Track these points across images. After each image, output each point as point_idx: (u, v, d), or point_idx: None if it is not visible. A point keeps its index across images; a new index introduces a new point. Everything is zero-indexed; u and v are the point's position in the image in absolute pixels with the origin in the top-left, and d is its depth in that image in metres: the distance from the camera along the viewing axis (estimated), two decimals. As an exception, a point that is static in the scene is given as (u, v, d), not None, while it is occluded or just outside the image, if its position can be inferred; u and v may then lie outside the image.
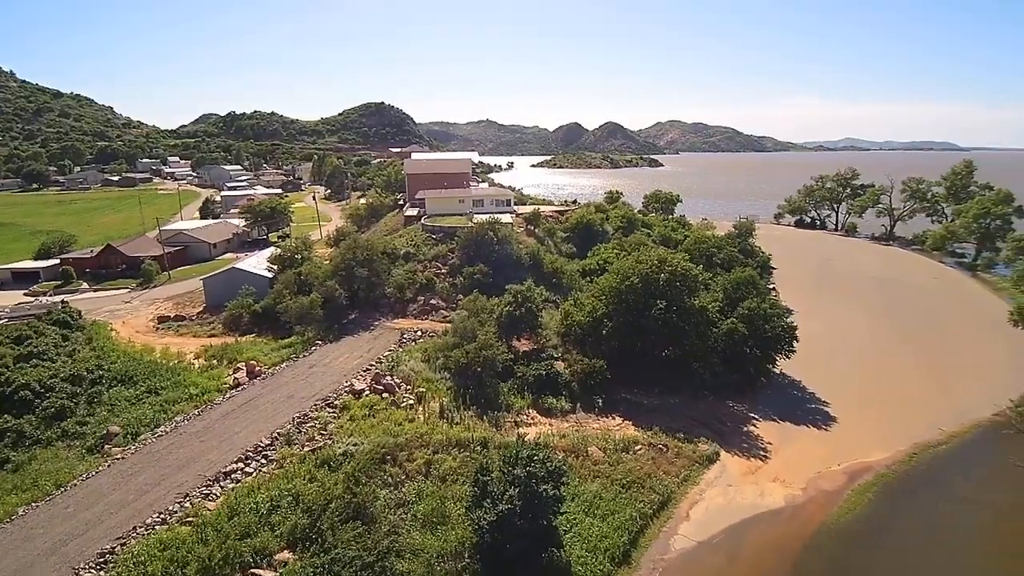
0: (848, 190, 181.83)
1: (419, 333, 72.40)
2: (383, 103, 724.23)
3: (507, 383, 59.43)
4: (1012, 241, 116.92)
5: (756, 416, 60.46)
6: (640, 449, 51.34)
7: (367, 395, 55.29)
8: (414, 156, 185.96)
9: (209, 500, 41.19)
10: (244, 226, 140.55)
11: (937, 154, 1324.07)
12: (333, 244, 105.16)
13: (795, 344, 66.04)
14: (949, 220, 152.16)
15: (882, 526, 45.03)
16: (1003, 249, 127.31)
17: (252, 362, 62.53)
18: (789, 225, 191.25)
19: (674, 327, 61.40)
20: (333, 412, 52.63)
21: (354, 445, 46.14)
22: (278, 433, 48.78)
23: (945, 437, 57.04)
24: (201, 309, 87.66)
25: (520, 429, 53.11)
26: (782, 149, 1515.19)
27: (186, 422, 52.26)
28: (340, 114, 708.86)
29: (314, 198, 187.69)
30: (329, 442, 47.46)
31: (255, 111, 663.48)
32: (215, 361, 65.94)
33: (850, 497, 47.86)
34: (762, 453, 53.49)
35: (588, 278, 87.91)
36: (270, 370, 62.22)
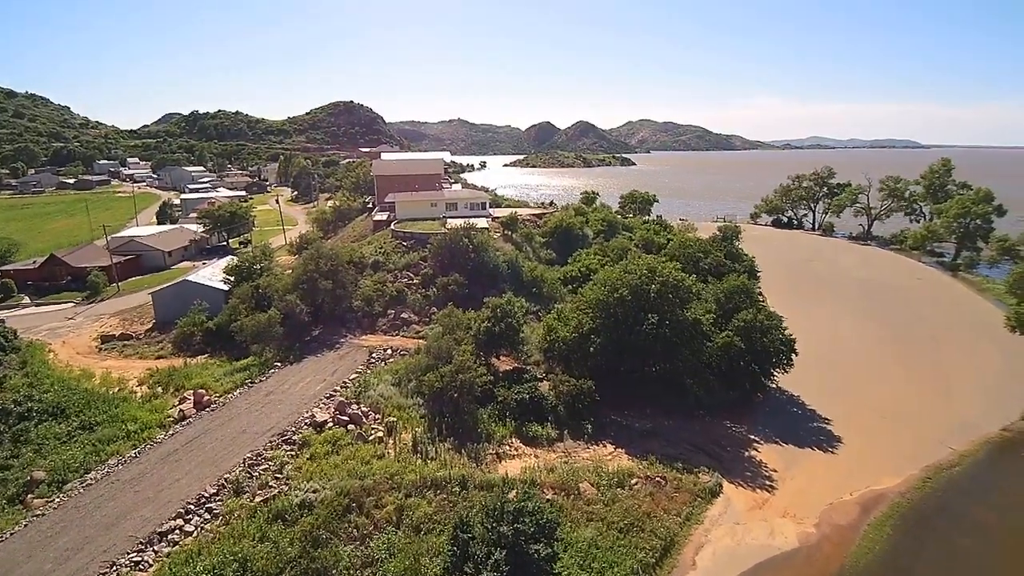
0: (825, 189, 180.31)
1: (389, 351, 66.43)
2: (352, 102, 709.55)
3: (487, 408, 53.88)
4: (996, 241, 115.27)
5: (756, 438, 55.95)
6: (636, 483, 46.29)
7: (330, 428, 49.25)
8: (384, 156, 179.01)
9: (140, 569, 34.83)
10: (202, 232, 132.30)
11: (900, 151, 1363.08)
12: (296, 252, 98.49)
13: (793, 357, 61.88)
14: (928, 219, 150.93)
15: (904, 567, 40.75)
16: (984, 249, 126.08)
17: (201, 390, 55.85)
18: (767, 225, 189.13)
19: (667, 342, 56.57)
20: (291, 450, 46.41)
21: (314, 492, 40.24)
22: (225, 479, 42.43)
23: (956, 457, 53.17)
24: (150, 326, 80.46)
25: (502, 463, 47.80)
26: (751, 147, 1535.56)
27: (120, 466, 45.53)
28: (308, 113, 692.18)
29: (277, 201, 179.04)
30: (285, 488, 41.39)
31: (219, 110, 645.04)
32: (160, 388, 59.31)
33: (867, 533, 43.47)
34: (767, 483, 48.89)
35: (570, 286, 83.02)
36: (221, 399, 55.56)
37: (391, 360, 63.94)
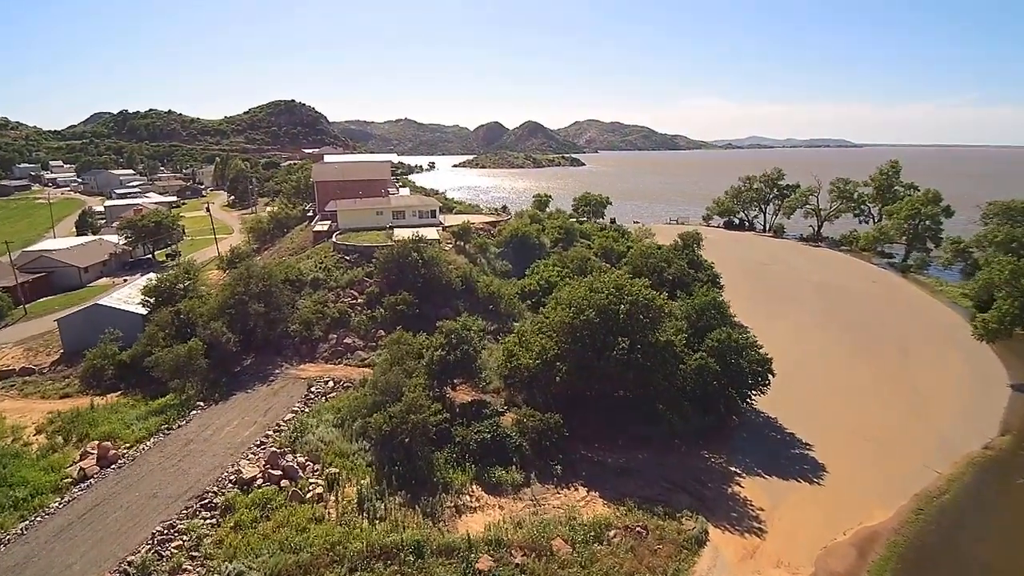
0: (775, 191, 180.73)
1: (331, 383, 59.45)
2: (293, 101, 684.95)
3: (443, 451, 47.74)
4: (951, 243, 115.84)
5: (737, 470, 51.63)
6: (615, 535, 41.09)
7: (260, 485, 42.25)
8: (326, 159, 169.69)
9: None
10: (124, 244, 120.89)
11: (834, 150, 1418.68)
12: (227, 267, 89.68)
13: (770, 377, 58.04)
14: (877, 220, 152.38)
15: (912, 621, 36.89)
16: (933, 249, 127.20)
17: (106, 443, 47.60)
18: (718, 227, 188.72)
19: (639, 368, 51.71)
20: (211, 517, 39.15)
21: (237, 575, 33.43)
22: (129, 563, 34.88)
23: (944, 483, 50.17)
24: (57, 357, 70.98)
25: (463, 518, 41.86)
26: (695, 147, 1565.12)
27: (2, 548, 37.40)
28: (246, 113, 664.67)
29: (207, 209, 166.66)
30: (202, 571, 34.38)
31: (151, 109, 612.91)
32: (60, 438, 50.70)
33: (868, 582, 39.56)
34: (756, 525, 44.47)
35: (529, 301, 77.66)
36: (131, 451, 47.58)
37: (333, 395, 56.99)
